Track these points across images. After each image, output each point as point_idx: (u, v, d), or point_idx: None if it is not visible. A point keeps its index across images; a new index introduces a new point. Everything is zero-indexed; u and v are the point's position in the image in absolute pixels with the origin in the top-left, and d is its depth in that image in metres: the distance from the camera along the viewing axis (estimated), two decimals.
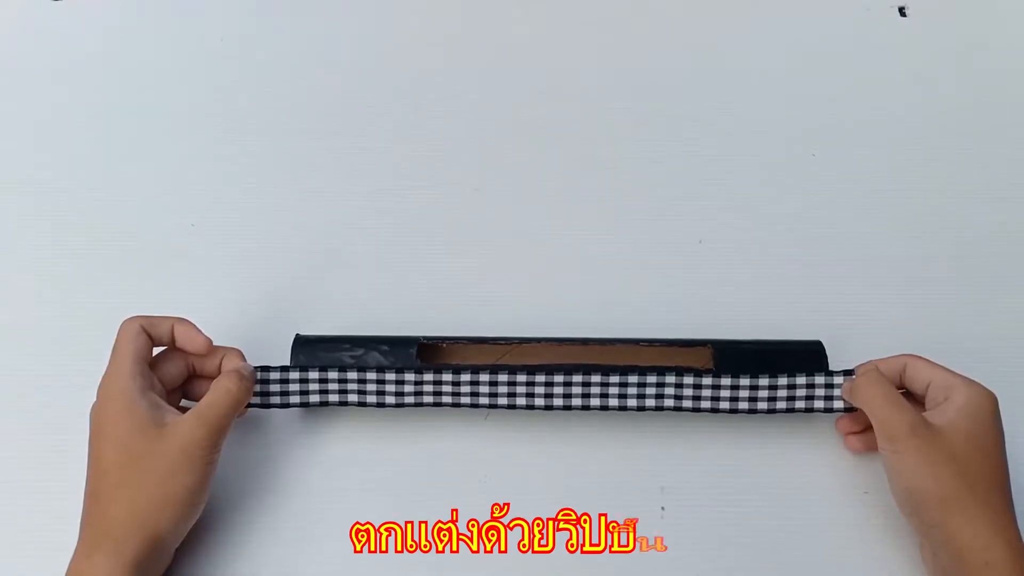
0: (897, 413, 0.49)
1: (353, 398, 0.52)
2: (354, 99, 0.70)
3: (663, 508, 0.53)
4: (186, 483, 0.46)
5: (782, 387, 0.53)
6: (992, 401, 0.49)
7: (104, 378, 0.48)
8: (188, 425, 0.47)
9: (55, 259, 0.61)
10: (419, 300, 0.60)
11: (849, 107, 0.71)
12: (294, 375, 0.52)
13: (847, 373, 0.53)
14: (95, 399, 0.48)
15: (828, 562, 0.52)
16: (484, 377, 0.52)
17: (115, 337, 0.49)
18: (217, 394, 0.48)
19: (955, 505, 0.46)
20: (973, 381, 0.50)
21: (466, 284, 0.61)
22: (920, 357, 0.52)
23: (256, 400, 0.52)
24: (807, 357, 0.54)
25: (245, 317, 0.59)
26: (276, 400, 0.52)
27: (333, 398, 0.52)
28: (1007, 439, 0.49)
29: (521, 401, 0.53)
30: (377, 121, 0.69)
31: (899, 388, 0.52)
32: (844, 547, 0.52)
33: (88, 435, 0.48)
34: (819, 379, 0.53)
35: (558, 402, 0.53)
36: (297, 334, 0.54)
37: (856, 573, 0.51)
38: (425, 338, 0.54)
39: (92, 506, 0.46)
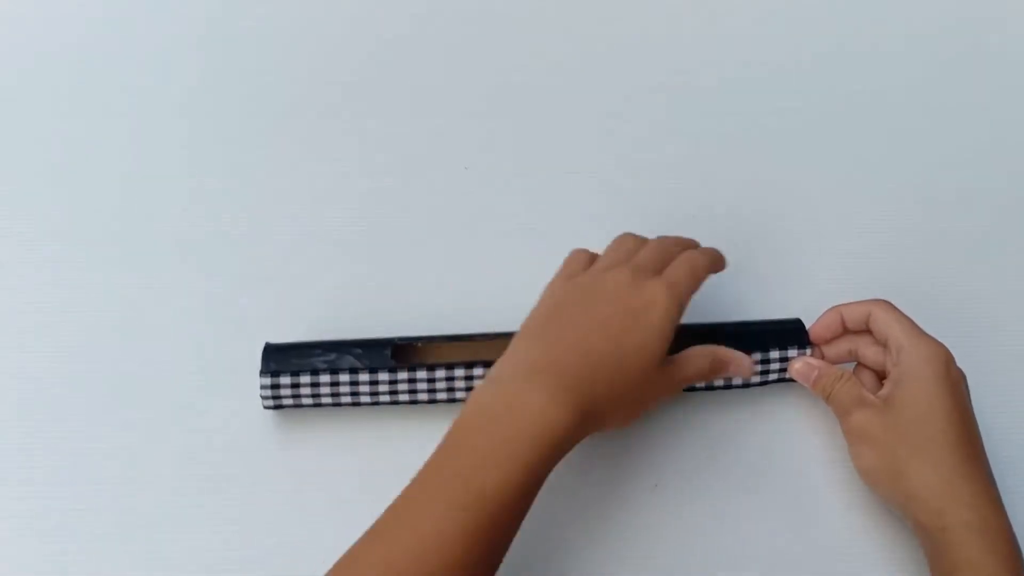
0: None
1: (327, 400, 0.52)
2: (336, 86, 0.69)
3: (655, 484, 0.53)
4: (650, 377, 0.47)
5: (756, 362, 0.53)
6: (940, 359, 0.48)
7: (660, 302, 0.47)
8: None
9: (33, 249, 0.62)
10: (396, 293, 0.60)
11: (845, 79, 0.69)
12: (265, 380, 0.52)
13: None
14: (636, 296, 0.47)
15: (819, 542, 0.52)
16: (460, 372, 0.52)
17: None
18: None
19: (902, 474, 0.46)
20: (923, 339, 0.49)
21: (451, 270, 0.61)
22: (885, 305, 0.51)
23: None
24: (788, 336, 0.54)
25: (224, 309, 0.59)
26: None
27: (307, 401, 0.52)
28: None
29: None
30: (364, 104, 0.68)
31: (866, 332, 0.52)
32: (835, 527, 0.52)
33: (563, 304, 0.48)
34: (792, 352, 0.53)
35: None
36: (267, 343, 0.53)
37: (849, 553, 0.52)
38: (399, 339, 0.54)
39: (550, 352, 0.46)
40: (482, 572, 0.42)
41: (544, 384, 0.44)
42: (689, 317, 0.54)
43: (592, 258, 0.52)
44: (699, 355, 0.50)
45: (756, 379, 0.54)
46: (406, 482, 0.52)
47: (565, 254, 0.60)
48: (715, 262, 0.53)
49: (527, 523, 0.50)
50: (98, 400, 0.56)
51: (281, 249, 0.61)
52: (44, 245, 0.62)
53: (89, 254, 0.61)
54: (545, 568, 0.51)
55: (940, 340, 0.49)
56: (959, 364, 0.49)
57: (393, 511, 0.42)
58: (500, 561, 0.43)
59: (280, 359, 0.52)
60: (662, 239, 0.52)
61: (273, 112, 0.67)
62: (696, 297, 0.57)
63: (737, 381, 0.54)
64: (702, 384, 0.54)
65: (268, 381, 0.52)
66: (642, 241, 0.52)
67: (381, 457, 0.54)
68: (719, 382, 0.54)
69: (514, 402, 0.43)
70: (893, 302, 0.52)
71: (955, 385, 0.48)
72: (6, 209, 0.63)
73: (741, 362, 0.51)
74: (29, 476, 0.54)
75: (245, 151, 0.66)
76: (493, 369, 0.46)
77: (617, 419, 0.47)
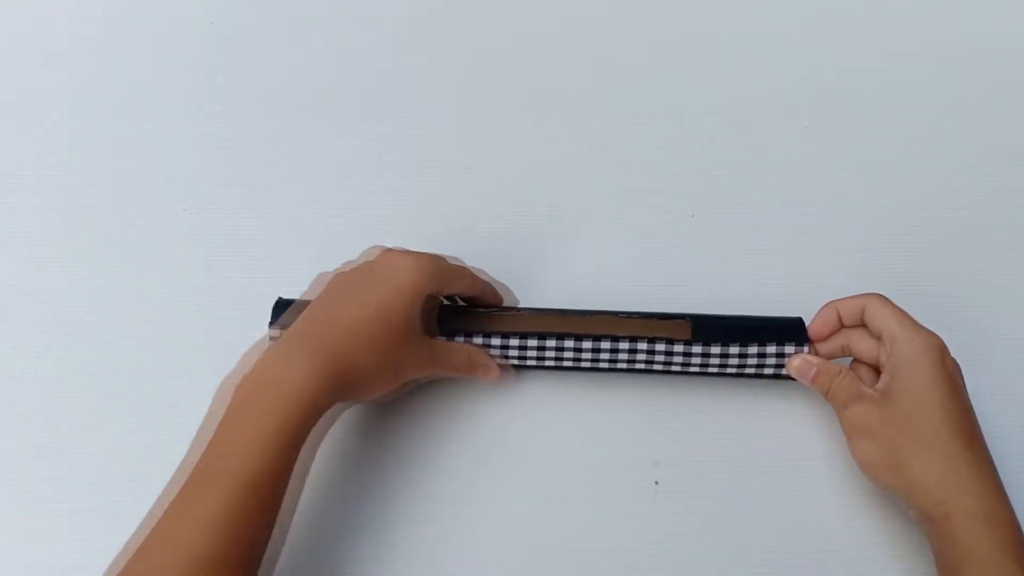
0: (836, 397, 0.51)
1: None
2: (341, 80, 0.69)
3: (656, 483, 0.53)
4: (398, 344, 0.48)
5: (752, 355, 0.53)
6: (934, 349, 0.48)
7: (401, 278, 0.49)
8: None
9: (43, 243, 0.62)
10: None
11: (842, 78, 0.69)
12: (275, 332, 0.53)
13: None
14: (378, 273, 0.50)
15: (821, 535, 0.52)
16: (459, 339, 0.53)
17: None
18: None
19: (903, 465, 0.46)
20: (917, 329, 0.49)
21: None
22: (879, 299, 0.51)
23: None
24: (787, 333, 0.54)
25: (230, 300, 0.60)
26: None
27: None
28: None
29: (496, 357, 0.54)
30: (370, 100, 0.68)
31: (860, 326, 0.52)
32: (836, 519, 0.52)
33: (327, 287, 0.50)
34: (788, 348, 0.53)
35: (531, 362, 0.54)
36: (279, 298, 0.54)
37: (850, 546, 0.52)
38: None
39: (303, 324, 0.48)
40: (246, 551, 0.42)
41: (286, 349, 0.46)
42: (693, 310, 0.55)
43: None
44: (458, 349, 0.52)
45: (751, 372, 0.54)
46: (400, 468, 0.53)
47: (564, 251, 0.61)
48: (487, 289, 0.55)
49: (527, 522, 0.51)
50: (102, 392, 0.56)
51: (287, 244, 0.62)
52: (45, 245, 0.62)
53: (95, 247, 0.62)
54: (545, 567, 0.51)
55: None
56: (956, 360, 0.50)
57: (153, 514, 0.42)
58: (266, 538, 0.43)
59: (292, 314, 0.53)
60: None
61: (277, 110, 0.68)
62: (700, 293, 0.59)
63: (731, 370, 0.54)
64: (696, 369, 0.54)
65: (278, 333, 0.52)
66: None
67: (378, 442, 0.54)
68: (713, 368, 0.54)
69: (260, 373, 0.45)
70: (892, 299, 0.52)
71: (951, 374, 0.48)
72: (6, 208, 0.63)
73: (489, 373, 0.54)
74: (32, 462, 0.54)
75: (249, 148, 0.66)
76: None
77: (378, 383, 0.48)
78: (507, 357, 0.54)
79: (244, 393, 0.44)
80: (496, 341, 0.53)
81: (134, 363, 0.57)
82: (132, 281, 0.60)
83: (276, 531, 0.44)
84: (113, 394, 0.56)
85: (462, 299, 0.56)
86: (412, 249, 0.52)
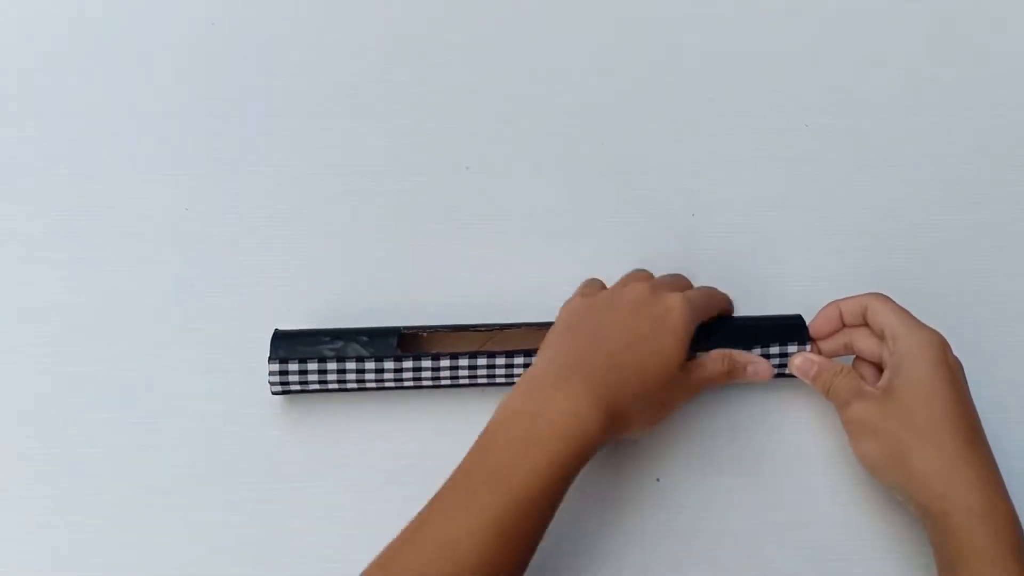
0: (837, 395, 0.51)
1: (333, 386, 0.53)
2: (341, 80, 0.69)
3: (658, 479, 0.53)
4: (671, 389, 0.49)
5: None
6: (937, 346, 0.48)
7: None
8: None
9: (42, 244, 0.62)
10: (403, 284, 0.60)
11: (842, 77, 0.69)
12: (273, 367, 0.53)
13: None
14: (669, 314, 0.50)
15: (822, 531, 0.52)
16: (464, 362, 0.53)
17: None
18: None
19: (905, 461, 0.46)
20: (919, 327, 0.49)
21: (454, 264, 0.61)
22: (881, 298, 0.52)
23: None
24: (788, 331, 0.54)
25: (232, 299, 0.60)
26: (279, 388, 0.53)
27: (314, 386, 0.53)
28: None
29: (501, 380, 0.54)
30: (374, 100, 0.68)
31: (862, 325, 0.53)
32: (837, 516, 0.52)
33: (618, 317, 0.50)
34: (791, 348, 0.54)
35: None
36: (276, 330, 0.54)
37: (851, 543, 0.52)
38: (405, 328, 0.54)
39: (574, 362, 0.48)
40: (511, 571, 0.43)
41: (572, 385, 0.46)
42: None
43: (604, 285, 0.56)
44: (717, 358, 0.52)
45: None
46: (413, 465, 0.52)
47: (565, 251, 0.61)
48: (727, 302, 0.56)
49: None
50: (106, 390, 0.56)
51: (290, 241, 0.62)
52: (46, 245, 0.62)
53: (98, 248, 0.62)
54: (546, 565, 0.51)
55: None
56: (958, 358, 0.50)
57: (422, 516, 0.43)
58: (529, 560, 0.44)
59: (288, 346, 0.53)
60: (674, 274, 0.57)
61: (278, 110, 0.67)
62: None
63: None
64: None
65: (276, 367, 0.52)
66: (652, 275, 0.56)
67: (388, 441, 0.54)
68: None
69: (544, 403, 0.45)
70: (894, 298, 0.52)
71: (952, 371, 0.48)
72: (8, 209, 0.63)
73: (759, 365, 0.52)
74: (37, 464, 0.54)
75: (251, 148, 0.66)
76: (521, 378, 0.48)
77: (642, 421, 0.49)
78: (510, 377, 0.53)
79: (528, 417, 0.45)
80: (500, 360, 0.53)
81: (134, 363, 0.57)
82: (133, 281, 0.60)
83: None
84: (112, 394, 0.56)
85: None
86: (661, 284, 0.54)
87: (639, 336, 0.49)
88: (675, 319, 0.49)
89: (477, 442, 0.46)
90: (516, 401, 0.46)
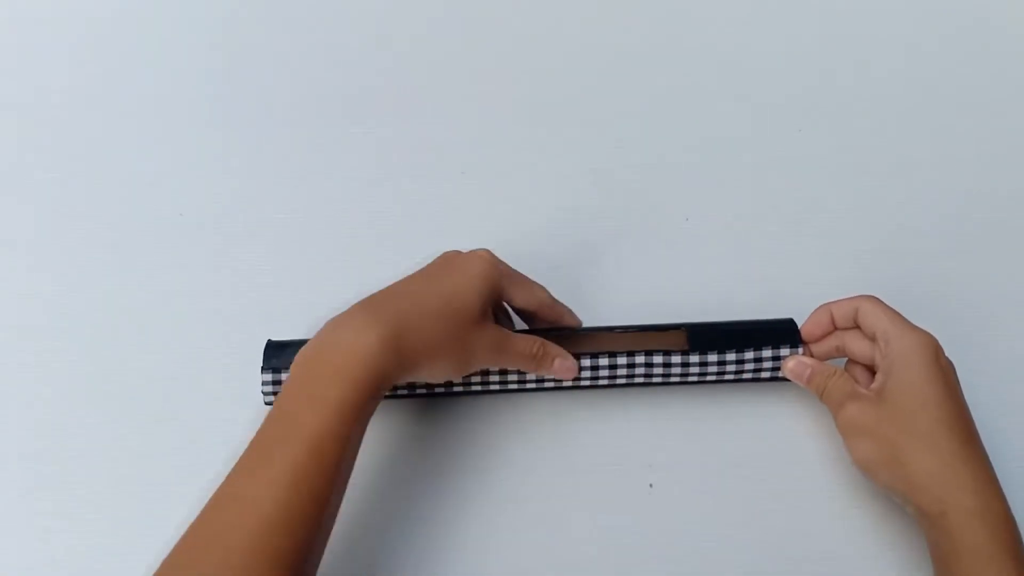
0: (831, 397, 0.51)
1: None
2: (334, 86, 0.70)
3: (651, 485, 0.54)
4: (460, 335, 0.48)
5: (748, 360, 0.54)
6: (928, 347, 0.49)
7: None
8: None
9: (38, 248, 0.62)
10: None
11: (834, 83, 0.70)
12: (267, 376, 0.52)
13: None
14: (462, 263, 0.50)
15: (817, 534, 0.52)
16: None
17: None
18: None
19: (901, 462, 0.46)
20: (911, 328, 0.50)
21: None
22: (872, 300, 0.52)
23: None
24: (780, 335, 0.54)
25: (227, 303, 0.60)
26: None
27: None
28: None
29: (495, 387, 0.54)
30: (370, 105, 0.69)
31: (854, 328, 0.53)
32: (833, 518, 0.53)
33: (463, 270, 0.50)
34: (784, 351, 0.54)
35: (531, 386, 0.54)
36: (269, 340, 0.54)
37: (846, 545, 0.52)
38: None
39: (370, 297, 0.48)
40: (316, 510, 0.42)
41: (355, 319, 0.46)
42: (688, 317, 0.55)
43: None
44: (530, 341, 0.52)
45: (748, 377, 0.54)
46: (406, 470, 0.53)
47: (561, 256, 0.61)
48: (559, 308, 0.54)
49: (525, 526, 0.51)
50: (98, 399, 0.56)
51: (283, 249, 0.62)
52: (39, 250, 0.62)
53: (92, 253, 0.62)
54: (540, 570, 0.51)
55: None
56: (951, 359, 0.50)
57: (227, 478, 0.43)
58: (333, 512, 0.43)
59: (281, 356, 0.53)
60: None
61: (277, 115, 0.68)
62: (694, 296, 0.59)
63: (729, 376, 0.54)
64: (695, 378, 0.54)
65: (269, 377, 0.52)
66: None
67: (379, 448, 0.54)
68: (712, 376, 0.54)
69: (325, 343, 0.45)
70: (885, 300, 0.52)
71: (945, 372, 0.48)
72: (8, 211, 0.63)
73: (566, 362, 0.52)
74: (33, 477, 0.54)
75: (246, 155, 0.66)
76: None
77: (441, 361, 0.48)
78: (505, 384, 0.54)
79: (312, 360, 0.45)
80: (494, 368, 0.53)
81: (126, 371, 0.57)
82: (128, 286, 0.60)
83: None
84: (108, 397, 0.56)
85: (522, 316, 0.55)
86: None
87: (436, 277, 0.49)
88: (475, 266, 0.49)
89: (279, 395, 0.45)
90: (306, 348, 0.46)
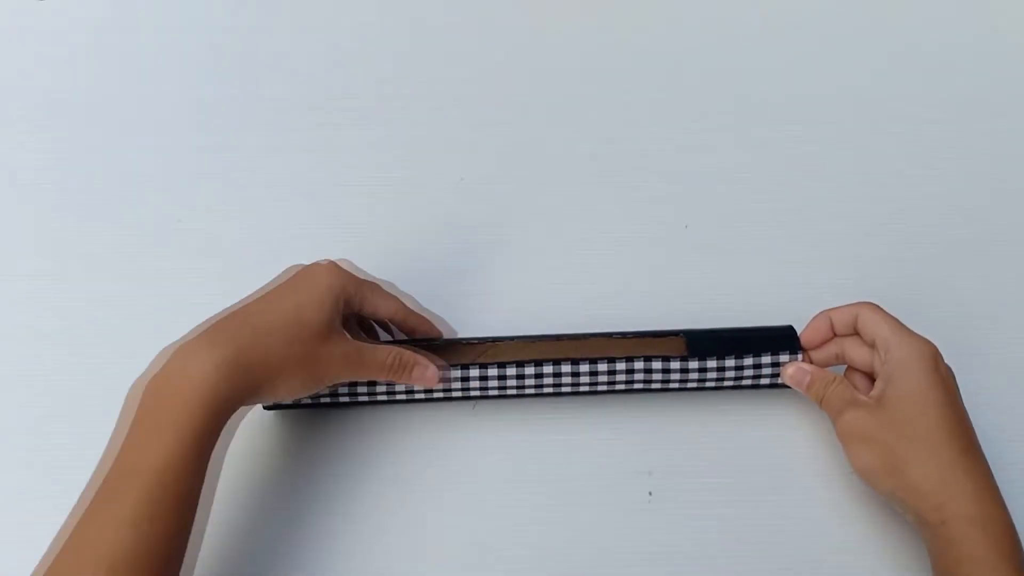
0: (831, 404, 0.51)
1: (325, 400, 0.53)
2: (332, 93, 0.70)
3: (650, 493, 0.53)
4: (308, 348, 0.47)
5: (748, 367, 0.53)
6: (927, 355, 0.48)
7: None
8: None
9: (36, 253, 0.62)
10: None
11: (832, 89, 0.70)
12: None
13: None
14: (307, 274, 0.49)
15: (817, 542, 0.52)
16: (457, 373, 0.53)
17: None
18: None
19: (901, 470, 0.46)
20: (910, 336, 0.49)
21: (447, 278, 0.61)
22: (871, 307, 0.52)
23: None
24: (780, 341, 0.54)
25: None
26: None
27: (305, 401, 0.53)
28: None
29: (494, 392, 0.54)
30: (367, 111, 0.69)
31: (853, 335, 0.53)
32: (833, 526, 0.52)
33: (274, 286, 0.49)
34: (783, 357, 0.54)
35: (530, 391, 0.54)
36: None
37: (846, 554, 0.52)
38: (398, 343, 0.54)
39: (208, 322, 0.46)
40: (162, 549, 0.41)
41: (191, 344, 0.44)
42: (686, 324, 0.55)
43: None
44: (386, 349, 0.50)
45: (748, 383, 0.54)
46: (404, 478, 0.52)
47: (558, 263, 0.61)
48: (413, 316, 0.54)
49: (522, 530, 0.51)
50: (97, 402, 0.55)
51: (281, 254, 0.61)
52: (38, 255, 0.62)
53: (89, 258, 0.62)
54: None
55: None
56: (950, 367, 0.50)
57: (70, 518, 0.41)
58: (182, 544, 0.42)
59: None
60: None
61: (273, 121, 0.68)
62: (693, 303, 0.59)
63: (728, 383, 0.54)
64: (694, 385, 0.54)
65: None
66: None
67: (380, 454, 0.54)
68: (711, 382, 0.54)
69: (166, 370, 0.44)
70: (884, 307, 0.52)
71: (944, 379, 0.48)
72: (8, 214, 0.63)
73: (426, 371, 0.51)
74: (33, 477, 0.54)
75: (243, 159, 0.66)
76: None
77: (290, 381, 0.46)
78: (504, 389, 0.53)
79: (151, 392, 0.43)
80: (493, 372, 0.53)
81: (126, 376, 0.56)
82: (126, 291, 0.60)
83: (193, 534, 0.43)
84: (106, 403, 0.55)
85: (398, 329, 0.55)
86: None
87: (278, 294, 0.48)
88: (320, 278, 0.48)
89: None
90: (143, 377, 0.44)
